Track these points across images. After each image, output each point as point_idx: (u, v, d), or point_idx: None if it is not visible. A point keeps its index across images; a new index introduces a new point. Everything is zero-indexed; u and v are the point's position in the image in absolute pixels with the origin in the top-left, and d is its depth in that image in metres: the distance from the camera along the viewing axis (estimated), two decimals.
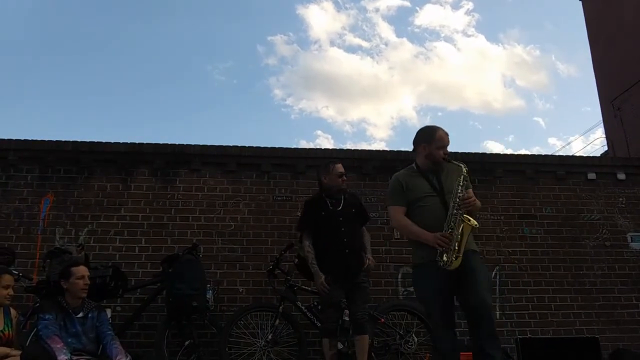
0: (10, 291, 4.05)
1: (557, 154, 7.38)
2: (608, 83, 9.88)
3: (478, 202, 3.63)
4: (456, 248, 3.43)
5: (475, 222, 3.51)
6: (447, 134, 3.78)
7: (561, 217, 6.60)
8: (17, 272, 4.72)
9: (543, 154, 7.20)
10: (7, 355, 3.80)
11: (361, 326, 4.60)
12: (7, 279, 4.06)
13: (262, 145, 6.46)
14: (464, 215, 3.48)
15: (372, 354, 5.17)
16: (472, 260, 3.52)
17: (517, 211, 6.56)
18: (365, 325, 4.63)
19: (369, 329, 4.75)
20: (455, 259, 3.43)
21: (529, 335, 5.83)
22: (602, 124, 10.45)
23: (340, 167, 4.90)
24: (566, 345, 4.88)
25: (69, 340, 4.15)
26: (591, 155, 12.71)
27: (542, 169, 6.79)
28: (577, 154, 15.65)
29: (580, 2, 11.19)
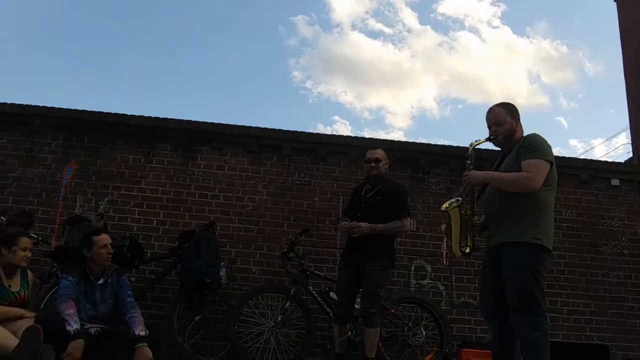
0: (28, 253, 4.10)
1: (579, 157, 7.27)
2: (638, 88, 9.68)
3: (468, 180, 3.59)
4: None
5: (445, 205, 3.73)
6: None
7: (581, 221, 6.52)
8: (35, 236, 4.79)
9: (565, 155, 7.10)
10: (22, 316, 3.88)
11: (366, 319, 4.49)
12: (25, 241, 4.11)
13: (280, 128, 6.45)
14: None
15: (380, 343, 5.18)
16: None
17: None
18: (370, 318, 4.44)
19: (379, 324, 4.57)
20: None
21: None
22: (627, 129, 10.27)
23: (369, 153, 4.84)
24: (576, 351, 4.85)
25: (87, 306, 4.23)
26: (614, 160, 12.49)
27: (565, 171, 6.67)
28: (600, 159, 15.35)
29: (615, 2, 10.95)
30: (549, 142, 3.49)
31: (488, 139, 3.64)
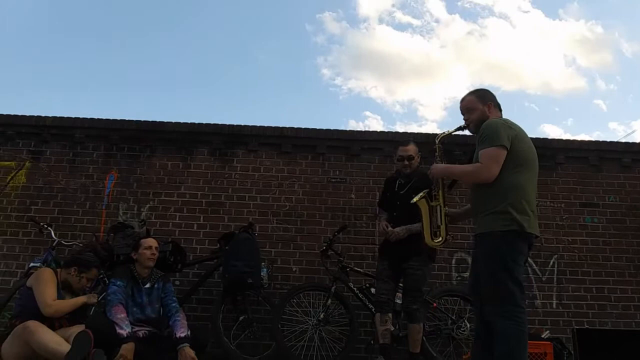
0: (89, 283, 4.42)
1: (620, 140, 7.05)
2: None
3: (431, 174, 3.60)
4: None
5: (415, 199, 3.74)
6: None
7: (625, 206, 6.35)
8: (102, 273, 4.92)
9: (605, 139, 6.93)
10: (85, 304, 4.25)
11: (409, 315, 4.54)
12: (94, 273, 4.44)
13: (312, 126, 6.50)
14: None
15: (424, 338, 5.17)
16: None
17: (578, 199, 6.36)
18: (413, 314, 4.51)
19: (422, 319, 4.66)
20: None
21: (586, 326, 5.69)
22: None
23: (401, 150, 4.78)
24: (625, 338, 4.72)
25: (134, 309, 4.42)
26: None
27: (607, 155, 6.54)
28: None
29: None
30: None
31: (459, 129, 3.63)
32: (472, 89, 3.73)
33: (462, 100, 3.62)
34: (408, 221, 4.55)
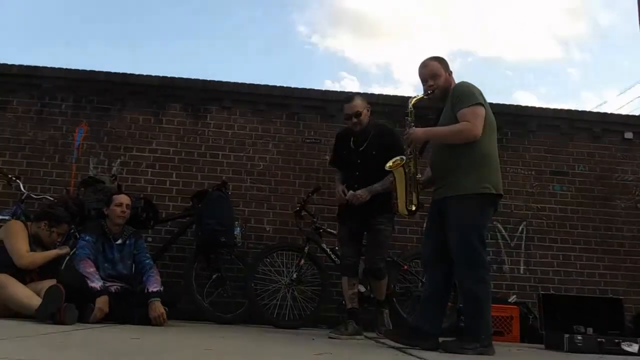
0: (60, 238, 4.37)
1: (592, 110, 7.13)
2: None
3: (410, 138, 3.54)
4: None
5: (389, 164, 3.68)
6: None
7: (594, 175, 6.48)
8: (73, 228, 4.80)
9: (577, 108, 7.00)
10: (57, 255, 4.27)
11: (375, 273, 4.47)
12: (64, 229, 4.39)
13: (286, 84, 6.40)
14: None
15: (394, 299, 5.26)
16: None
17: (548, 167, 6.45)
18: (378, 272, 4.45)
19: (386, 274, 4.59)
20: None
21: (551, 292, 5.84)
22: None
23: (346, 108, 4.45)
24: (589, 304, 4.85)
25: (105, 265, 4.39)
26: (629, 113, 12.28)
27: (579, 125, 6.62)
28: (614, 112, 15.07)
29: None
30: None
31: (426, 95, 3.58)
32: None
33: (426, 65, 3.58)
34: (372, 179, 4.33)
